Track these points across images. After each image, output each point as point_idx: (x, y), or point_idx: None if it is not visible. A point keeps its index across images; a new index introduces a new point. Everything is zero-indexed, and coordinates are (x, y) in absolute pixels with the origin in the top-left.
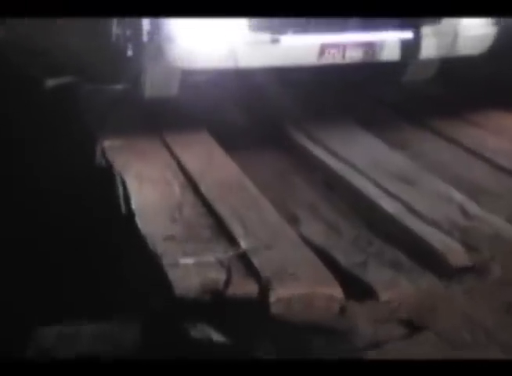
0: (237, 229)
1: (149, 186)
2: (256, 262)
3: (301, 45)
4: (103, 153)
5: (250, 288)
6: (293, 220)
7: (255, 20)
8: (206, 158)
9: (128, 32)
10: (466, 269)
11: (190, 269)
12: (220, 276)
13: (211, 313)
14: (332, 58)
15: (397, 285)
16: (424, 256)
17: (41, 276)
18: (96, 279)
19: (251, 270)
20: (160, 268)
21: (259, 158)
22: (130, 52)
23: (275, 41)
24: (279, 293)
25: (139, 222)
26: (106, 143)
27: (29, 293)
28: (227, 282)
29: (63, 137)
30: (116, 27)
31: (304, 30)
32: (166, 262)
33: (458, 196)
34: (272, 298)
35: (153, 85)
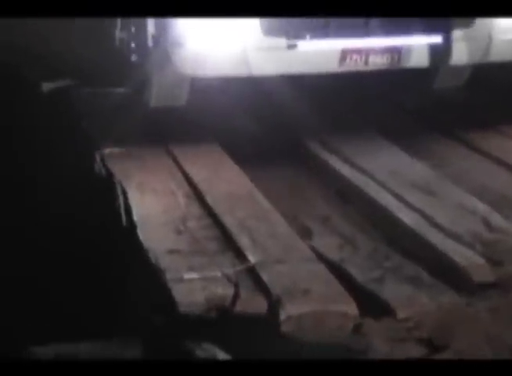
0: (245, 243)
1: (152, 196)
2: (265, 277)
3: (320, 51)
4: (103, 161)
5: (258, 305)
6: (305, 233)
7: (270, 24)
8: (214, 169)
9: (133, 35)
10: (490, 285)
11: (195, 284)
12: (227, 291)
13: (217, 331)
14: (354, 64)
15: (415, 302)
16: (445, 271)
17: (38, 290)
18: (95, 294)
19: (260, 286)
20: (164, 283)
21: (271, 169)
22: (134, 57)
23: (291, 46)
24: (289, 310)
25: (141, 234)
26: (107, 151)
27: (25, 309)
28: (234, 298)
29: (61, 143)
30: (120, 30)
31: (324, 34)
32: (170, 276)
33: (482, 207)
34: (283, 316)
35: (160, 94)
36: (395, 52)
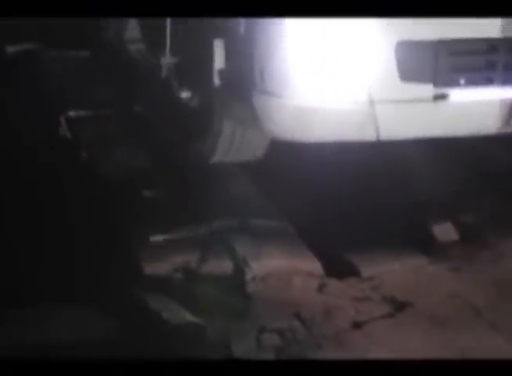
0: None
1: None
2: (231, 238)
3: (480, 103)
4: (68, 124)
5: (224, 266)
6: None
7: (412, 63)
8: None
9: (186, 65)
10: (453, 244)
11: (161, 246)
12: (193, 254)
13: (184, 293)
14: None
15: (379, 261)
16: (409, 231)
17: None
18: (60, 261)
19: (226, 247)
20: (130, 246)
21: None
22: (187, 95)
23: (439, 97)
24: (254, 270)
25: (107, 197)
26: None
27: None
28: (200, 260)
29: (26, 106)
30: (169, 53)
31: (487, 79)
32: (135, 239)
33: None
34: (248, 276)
35: (227, 149)
36: None
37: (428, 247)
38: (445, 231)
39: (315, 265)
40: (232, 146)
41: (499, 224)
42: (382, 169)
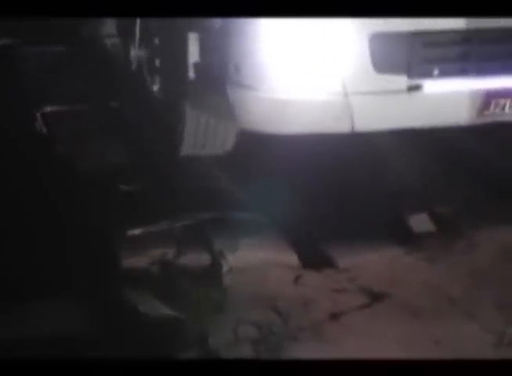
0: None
1: None
2: (208, 231)
3: (454, 94)
4: (44, 119)
5: (201, 259)
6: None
7: (386, 55)
8: None
9: (157, 57)
10: (429, 235)
11: (138, 239)
12: (170, 247)
13: (161, 286)
14: (501, 113)
15: (356, 252)
16: (386, 222)
17: None
18: (37, 253)
19: (203, 240)
20: (107, 240)
21: None
22: (157, 88)
23: (414, 88)
24: (231, 262)
25: (83, 190)
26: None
27: None
28: (177, 253)
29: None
30: (137, 45)
31: (461, 70)
32: (113, 233)
33: None
34: (225, 269)
35: (195, 142)
36: None
37: (404, 238)
38: (420, 222)
39: (291, 257)
40: (206, 139)
41: (474, 215)
42: (358, 160)
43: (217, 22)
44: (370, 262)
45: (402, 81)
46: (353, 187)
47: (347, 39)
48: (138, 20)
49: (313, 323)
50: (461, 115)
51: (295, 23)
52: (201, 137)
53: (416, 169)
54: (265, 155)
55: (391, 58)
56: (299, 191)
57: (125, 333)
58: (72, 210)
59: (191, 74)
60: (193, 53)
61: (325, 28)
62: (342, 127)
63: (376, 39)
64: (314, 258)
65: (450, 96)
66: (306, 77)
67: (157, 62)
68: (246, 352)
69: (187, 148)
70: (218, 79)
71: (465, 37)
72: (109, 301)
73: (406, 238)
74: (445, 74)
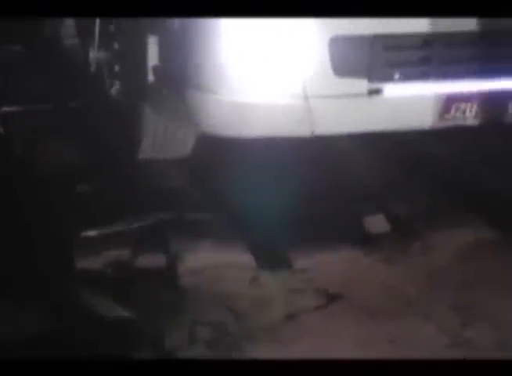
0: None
1: None
2: (163, 232)
3: (415, 98)
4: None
5: (157, 260)
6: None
7: (347, 58)
8: None
9: (117, 59)
10: (386, 235)
11: (94, 241)
12: (126, 248)
13: (116, 288)
14: (462, 117)
15: (312, 253)
16: (342, 223)
17: None
18: None
19: (159, 241)
20: (62, 241)
21: None
22: (116, 90)
23: (374, 91)
24: (187, 263)
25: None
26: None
27: None
28: (133, 254)
29: None
30: (97, 47)
31: (422, 74)
32: (68, 234)
33: None
34: (181, 270)
35: (154, 145)
36: None
37: (361, 239)
38: (377, 223)
39: (247, 258)
40: (165, 142)
41: (431, 216)
42: (315, 162)
43: (176, 23)
44: (327, 263)
45: (362, 84)
46: (311, 189)
47: (307, 42)
48: (97, 21)
49: (269, 323)
50: (422, 119)
51: (255, 25)
52: (160, 140)
53: (374, 171)
54: (223, 156)
55: (352, 61)
56: (256, 192)
57: (78, 333)
58: (28, 210)
59: (150, 76)
60: (153, 55)
61: (285, 31)
62: (302, 131)
63: (337, 42)
64: (270, 259)
65: (411, 100)
66: (266, 80)
67: (117, 64)
68: (202, 352)
69: (146, 151)
70: (178, 82)
71: (426, 40)
72: (63, 303)
73: (363, 239)
74: (405, 77)
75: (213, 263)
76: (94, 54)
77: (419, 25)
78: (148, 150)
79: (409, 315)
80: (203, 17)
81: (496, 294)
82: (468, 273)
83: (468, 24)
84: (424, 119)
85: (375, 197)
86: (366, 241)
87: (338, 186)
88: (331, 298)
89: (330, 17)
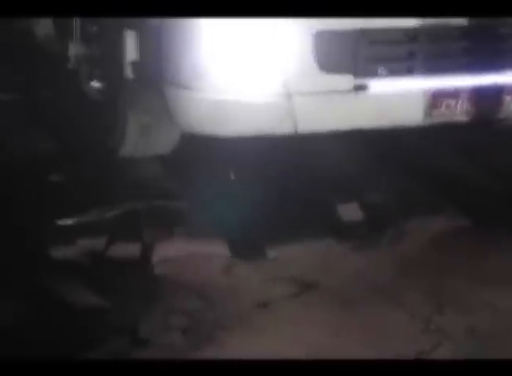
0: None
1: None
2: (138, 221)
3: (401, 94)
4: None
5: (131, 249)
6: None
7: (331, 54)
8: None
9: (96, 55)
10: (360, 224)
11: (68, 230)
12: (100, 237)
13: (91, 276)
14: (449, 113)
15: (286, 241)
16: (315, 212)
17: None
18: None
19: (133, 230)
20: (37, 230)
21: None
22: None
23: (359, 87)
24: (161, 253)
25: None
26: None
27: None
28: (108, 243)
29: None
30: (75, 42)
31: (407, 69)
32: (43, 223)
33: None
34: (155, 259)
35: (136, 143)
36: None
37: (334, 227)
38: (350, 211)
39: (221, 247)
40: (142, 139)
41: (404, 204)
42: (289, 152)
43: (155, 21)
44: (300, 252)
45: (347, 80)
46: (285, 178)
47: (289, 37)
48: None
49: (243, 311)
50: (408, 115)
51: (235, 20)
52: (137, 137)
53: (347, 160)
54: (200, 152)
55: (337, 57)
56: (231, 181)
57: (54, 322)
58: (1, 199)
59: (128, 73)
60: (131, 52)
61: (266, 26)
62: (284, 129)
63: (321, 37)
64: (244, 248)
65: (397, 96)
66: (247, 78)
67: (95, 59)
68: (176, 340)
69: (123, 149)
70: (156, 79)
71: (411, 35)
72: (38, 291)
73: (337, 228)
74: (391, 72)
75: (187, 252)
76: (73, 49)
77: (404, 20)
78: (128, 148)
79: (383, 302)
80: (186, 17)
81: (469, 281)
82: (441, 261)
83: (453, 19)
84: (411, 115)
85: (348, 185)
86: (340, 229)
87: (312, 176)
88: (305, 286)
89: (313, 17)
